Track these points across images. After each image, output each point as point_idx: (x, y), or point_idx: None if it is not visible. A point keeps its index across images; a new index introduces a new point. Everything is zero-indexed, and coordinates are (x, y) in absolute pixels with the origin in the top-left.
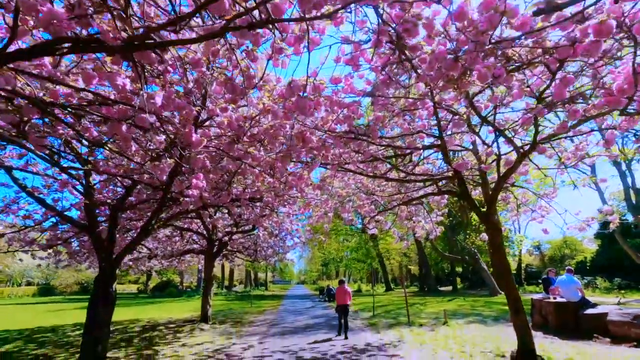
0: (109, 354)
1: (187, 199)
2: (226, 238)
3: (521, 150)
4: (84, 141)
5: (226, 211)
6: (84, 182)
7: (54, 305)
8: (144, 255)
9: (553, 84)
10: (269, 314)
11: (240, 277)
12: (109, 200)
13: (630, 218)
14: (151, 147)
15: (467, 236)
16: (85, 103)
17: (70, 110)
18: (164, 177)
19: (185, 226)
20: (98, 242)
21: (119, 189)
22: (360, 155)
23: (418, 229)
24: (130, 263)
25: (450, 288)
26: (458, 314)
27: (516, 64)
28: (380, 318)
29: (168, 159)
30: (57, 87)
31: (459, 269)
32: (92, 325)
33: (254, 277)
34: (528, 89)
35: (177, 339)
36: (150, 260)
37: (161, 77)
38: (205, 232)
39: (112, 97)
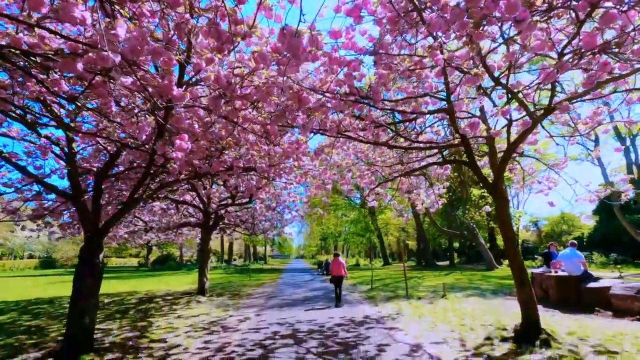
0: (102, 326)
1: (173, 164)
2: (222, 211)
3: (535, 114)
4: (62, 101)
5: (222, 183)
6: (66, 150)
7: (54, 278)
8: (140, 228)
9: (580, 34)
10: (268, 287)
11: (240, 252)
12: (94, 168)
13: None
14: (135, 109)
15: (466, 211)
16: (51, 52)
17: (34, 59)
18: (143, 137)
19: (181, 199)
20: (83, 211)
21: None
22: (361, 121)
23: (418, 202)
24: (126, 236)
25: (447, 263)
26: (456, 288)
27: (540, 8)
28: (379, 291)
29: (148, 117)
30: (19, 34)
31: (456, 244)
32: (78, 297)
33: (252, 251)
34: (550, 42)
35: (173, 311)
36: (147, 233)
37: (136, 21)
38: (200, 205)
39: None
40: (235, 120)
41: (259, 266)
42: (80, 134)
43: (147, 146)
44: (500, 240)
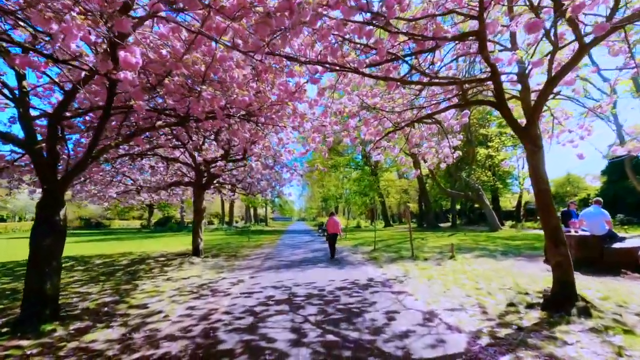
0: (82, 289)
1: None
2: (215, 168)
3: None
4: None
5: (213, 137)
6: (17, 94)
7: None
8: (131, 188)
9: None
10: (266, 248)
11: (241, 214)
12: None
13: None
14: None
15: (472, 172)
16: None
17: None
18: (72, 45)
19: (171, 156)
20: (38, 161)
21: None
22: (368, 50)
23: (429, 155)
24: (115, 196)
25: (448, 224)
26: (463, 248)
27: None
28: (382, 252)
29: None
30: None
31: (457, 206)
32: (36, 260)
33: (253, 213)
34: None
35: (164, 273)
36: (139, 193)
37: None
38: (190, 161)
39: None
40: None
41: (260, 228)
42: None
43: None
44: (504, 202)
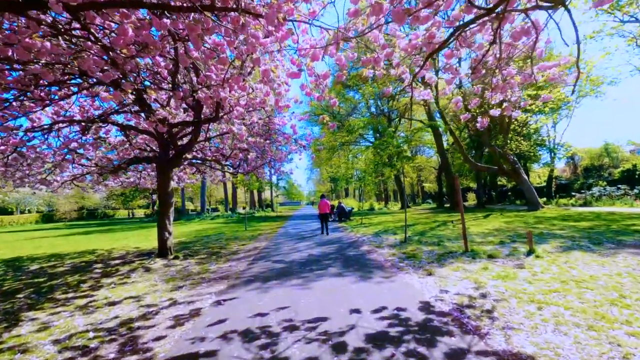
0: None
1: None
2: (185, 139)
3: None
4: None
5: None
6: None
7: (47, 232)
8: (91, 171)
9: None
10: (262, 240)
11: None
12: None
13: None
14: None
15: (509, 141)
16: None
17: None
18: None
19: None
20: None
21: None
22: None
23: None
24: (66, 179)
25: (473, 203)
26: (523, 236)
27: None
28: (417, 244)
29: None
30: None
31: (473, 185)
32: None
33: (257, 198)
34: None
35: (93, 289)
36: (102, 176)
37: None
38: (152, 130)
39: None
40: None
41: (264, 214)
42: None
43: None
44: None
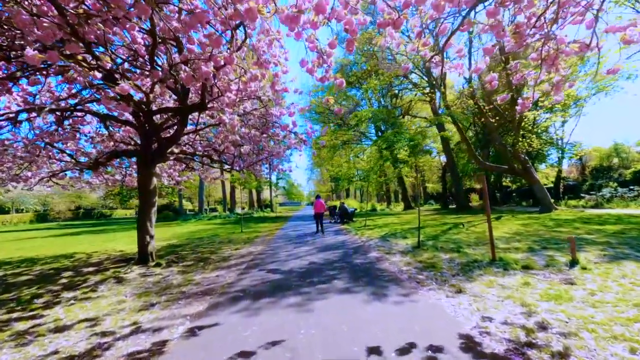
0: None
1: None
2: (171, 130)
3: None
4: None
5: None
6: None
7: (37, 233)
8: (71, 167)
9: None
10: (258, 244)
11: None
12: None
13: None
14: None
15: (521, 139)
16: None
17: None
18: None
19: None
20: None
21: None
22: None
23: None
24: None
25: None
26: (551, 242)
27: None
28: (433, 250)
29: None
30: None
31: (476, 185)
32: None
33: (257, 197)
34: None
35: (43, 308)
36: (82, 172)
37: None
38: (133, 119)
39: None
40: None
41: (263, 214)
42: None
43: None
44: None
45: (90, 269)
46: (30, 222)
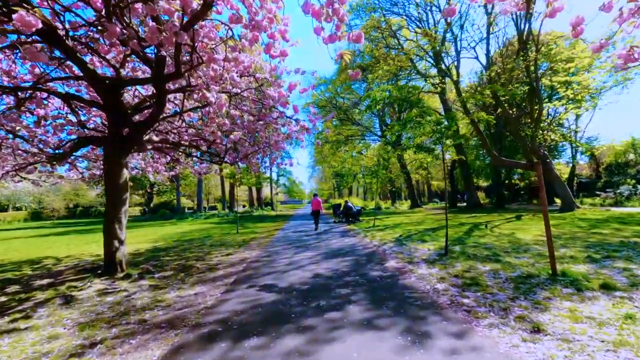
0: None
1: None
2: (145, 111)
3: None
4: None
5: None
6: None
7: (26, 232)
8: (35, 160)
9: None
10: (253, 248)
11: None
12: None
13: None
14: None
15: (541, 133)
16: None
17: None
18: None
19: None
20: None
21: None
22: None
23: None
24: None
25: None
26: (604, 246)
27: None
28: (465, 259)
29: None
30: None
31: (483, 183)
32: None
33: (257, 195)
34: None
35: None
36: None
37: None
38: (99, 99)
39: None
40: None
41: (263, 213)
42: None
43: None
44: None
45: (45, 281)
46: (24, 220)
